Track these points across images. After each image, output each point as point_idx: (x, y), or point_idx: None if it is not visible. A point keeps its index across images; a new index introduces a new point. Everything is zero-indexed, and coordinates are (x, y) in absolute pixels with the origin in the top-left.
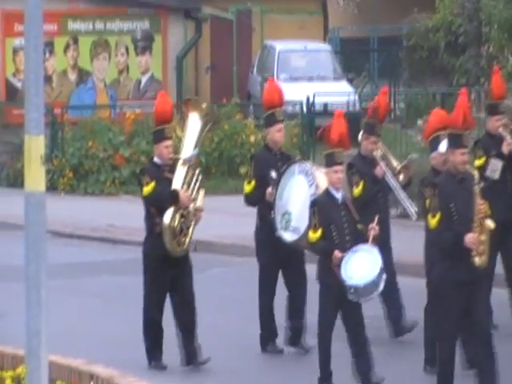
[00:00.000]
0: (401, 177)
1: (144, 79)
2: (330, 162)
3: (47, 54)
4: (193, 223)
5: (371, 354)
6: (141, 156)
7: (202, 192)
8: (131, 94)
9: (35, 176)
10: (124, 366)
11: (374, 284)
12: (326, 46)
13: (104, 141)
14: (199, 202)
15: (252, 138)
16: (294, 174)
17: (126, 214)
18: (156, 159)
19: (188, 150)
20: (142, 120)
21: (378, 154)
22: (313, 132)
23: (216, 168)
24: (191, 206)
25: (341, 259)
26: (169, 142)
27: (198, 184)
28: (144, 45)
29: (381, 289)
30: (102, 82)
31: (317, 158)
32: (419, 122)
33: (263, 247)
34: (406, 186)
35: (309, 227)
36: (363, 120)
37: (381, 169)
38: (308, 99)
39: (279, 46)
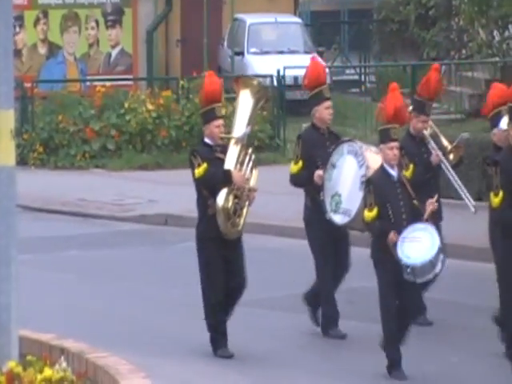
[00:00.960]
0: (451, 156)
1: (114, 53)
2: (384, 138)
3: (17, 28)
4: (247, 204)
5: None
6: (111, 129)
7: (255, 172)
8: (101, 68)
9: (5, 150)
10: (96, 340)
11: (431, 264)
12: (296, 19)
13: (74, 115)
14: (253, 182)
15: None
16: (342, 154)
17: (97, 188)
18: (207, 139)
19: (240, 128)
20: (112, 94)
21: (427, 132)
22: (283, 105)
23: (186, 142)
24: (245, 186)
25: (397, 238)
26: (220, 122)
27: (251, 163)
28: (114, 18)
29: (438, 269)
30: (72, 56)
31: (288, 132)
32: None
33: (316, 229)
34: (456, 166)
35: (364, 206)
36: (413, 97)
37: (437, 157)
38: (278, 72)
39: (249, 19)
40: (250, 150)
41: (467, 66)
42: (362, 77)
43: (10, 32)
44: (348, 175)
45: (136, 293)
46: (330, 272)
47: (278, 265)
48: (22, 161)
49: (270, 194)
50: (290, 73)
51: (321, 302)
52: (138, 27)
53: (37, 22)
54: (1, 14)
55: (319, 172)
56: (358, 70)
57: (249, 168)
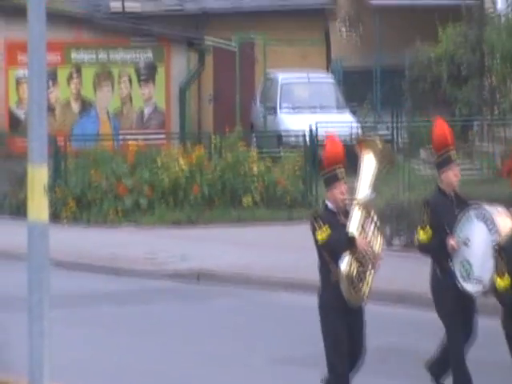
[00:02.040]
0: None
1: (147, 109)
2: None
3: (50, 84)
4: (372, 271)
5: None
6: (144, 185)
7: (380, 237)
8: (134, 124)
9: (38, 206)
10: None
11: None
12: (328, 77)
13: (107, 171)
14: (377, 248)
15: (255, 169)
16: (470, 220)
17: (129, 244)
18: (329, 203)
19: (363, 191)
20: (144, 150)
21: None
22: (316, 163)
23: (219, 198)
24: (369, 251)
25: None
26: (343, 186)
27: (374, 227)
28: (147, 75)
29: None
30: (105, 113)
31: (319, 189)
32: (422, 152)
33: (446, 297)
34: None
35: (496, 274)
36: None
37: None
38: (311, 130)
39: (282, 76)
40: (373, 214)
41: (499, 125)
42: (394, 134)
43: (43, 88)
44: (478, 242)
45: (167, 348)
46: (462, 339)
47: (308, 322)
48: (54, 216)
49: (301, 251)
50: (322, 129)
51: (452, 370)
52: (170, 84)
53: (70, 78)
54: (34, 70)
55: (452, 242)
56: (390, 127)
57: (372, 232)
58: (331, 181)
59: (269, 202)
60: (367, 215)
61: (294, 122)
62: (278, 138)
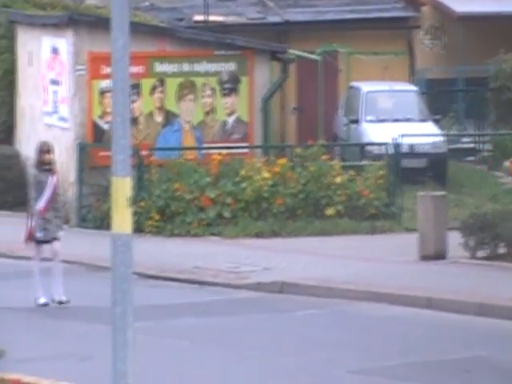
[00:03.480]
0: None
1: (230, 121)
2: None
3: (134, 96)
4: None
5: None
6: (227, 197)
7: None
8: (217, 136)
9: (122, 218)
10: None
11: None
12: (412, 87)
13: (190, 182)
14: None
15: (338, 180)
16: None
17: (212, 256)
18: None
19: None
20: (227, 161)
21: None
22: (399, 173)
23: (302, 209)
24: None
25: None
26: None
27: None
28: (230, 86)
29: None
30: (189, 124)
31: (403, 200)
32: (506, 163)
33: None
34: None
35: None
36: None
37: None
38: (394, 140)
39: (365, 87)
40: None
41: None
42: (479, 145)
43: (127, 100)
44: None
45: (251, 360)
46: None
47: (391, 333)
48: (138, 228)
49: (384, 262)
50: (405, 141)
51: None
52: (253, 95)
53: (153, 90)
54: (118, 83)
55: None
56: (474, 138)
57: None
58: None
59: (352, 213)
60: None
61: (377, 133)
62: (361, 149)
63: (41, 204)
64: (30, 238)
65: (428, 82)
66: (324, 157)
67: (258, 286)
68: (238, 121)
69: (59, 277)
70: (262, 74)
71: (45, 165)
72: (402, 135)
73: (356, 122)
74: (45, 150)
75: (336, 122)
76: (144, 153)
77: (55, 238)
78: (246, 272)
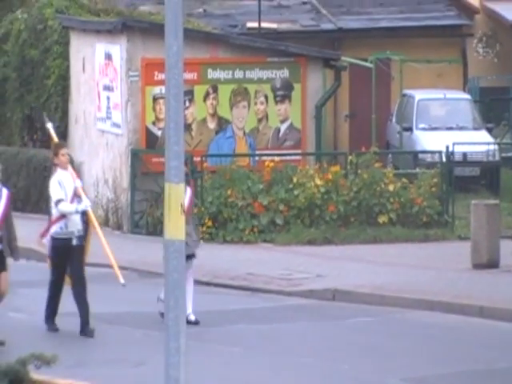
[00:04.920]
0: None
1: (283, 128)
2: None
3: (187, 103)
4: None
5: None
6: (280, 204)
7: None
8: (270, 143)
9: (175, 224)
10: None
11: None
12: (465, 95)
13: (243, 189)
14: None
15: (391, 187)
16: None
17: (265, 263)
18: None
19: None
20: (280, 168)
21: None
22: (452, 182)
23: (354, 217)
24: None
25: None
26: None
27: None
28: (283, 93)
29: None
30: (242, 131)
31: (456, 209)
32: None
33: None
34: None
35: None
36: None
37: None
38: (447, 149)
39: (418, 95)
40: None
41: None
42: None
43: (180, 106)
44: None
45: (303, 367)
46: None
47: (444, 341)
48: None
49: (437, 271)
50: (458, 149)
51: None
52: (306, 102)
53: (206, 96)
54: (171, 89)
55: None
56: None
57: None
58: None
59: (405, 220)
60: None
61: (430, 141)
62: (414, 157)
63: None
64: None
65: (481, 90)
66: (377, 164)
67: (310, 294)
68: (291, 128)
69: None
70: (315, 81)
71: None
72: (455, 143)
73: (409, 129)
74: None
75: (389, 130)
76: (197, 159)
77: (193, 255)
78: (299, 279)
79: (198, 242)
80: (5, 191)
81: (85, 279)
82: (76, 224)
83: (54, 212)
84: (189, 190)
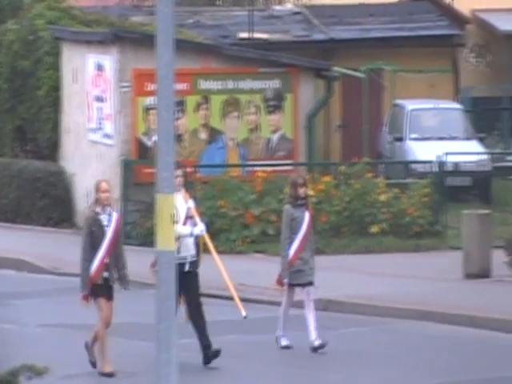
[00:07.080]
0: None
1: (275, 138)
2: None
3: (179, 113)
4: None
5: None
6: (271, 214)
7: None
8: (262, 153)
9: (166, 235)
10: None
11: None
12: (457, 105)
13: (234, 199)
14: None
15: (383, 197)
16: None
17: (257, 273)
18: None
19: None
20: (272, 179)
21: None
22: (444, 191)
23: (346, 227)
24: None
25: None
26: None
27: None
28: (275, 103)
29: None
30: (233, 141)
31: (448, 219)
32: None
33: None
34: None
35: None
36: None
37: None
38: (439, 159)
39: (410, 105)
40: None
41: None
42: None
43: (171, 117)
44: None
45: (296, 378)
46: None
47: (436, 351)
48: None
49: (429, 281)
50: (450, 159)
51: None
52: (298, 112)
53: (198, 107)
54: (163, 99)
55: None
56: None
57: None
58: None
59: (396, 230)
60: None
61: (421, 151)
62: (406, 167)
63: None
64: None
65: (473, 100)
66: (368, 174)
67: (302, 304)
68: (283, 138)
69: (312, 320)
70: (307, 92)
71: (301, 199)
72: (447, 153)
73: (400, 139)
74: (300, 183)
75: (380, 140)
76: (189, 170)
77: (311, 283)
78: None
79: (314, 269)
80: (114, 215)
81: (202, 308)
82: (189, 249)
83: None
84: (307, 215)
